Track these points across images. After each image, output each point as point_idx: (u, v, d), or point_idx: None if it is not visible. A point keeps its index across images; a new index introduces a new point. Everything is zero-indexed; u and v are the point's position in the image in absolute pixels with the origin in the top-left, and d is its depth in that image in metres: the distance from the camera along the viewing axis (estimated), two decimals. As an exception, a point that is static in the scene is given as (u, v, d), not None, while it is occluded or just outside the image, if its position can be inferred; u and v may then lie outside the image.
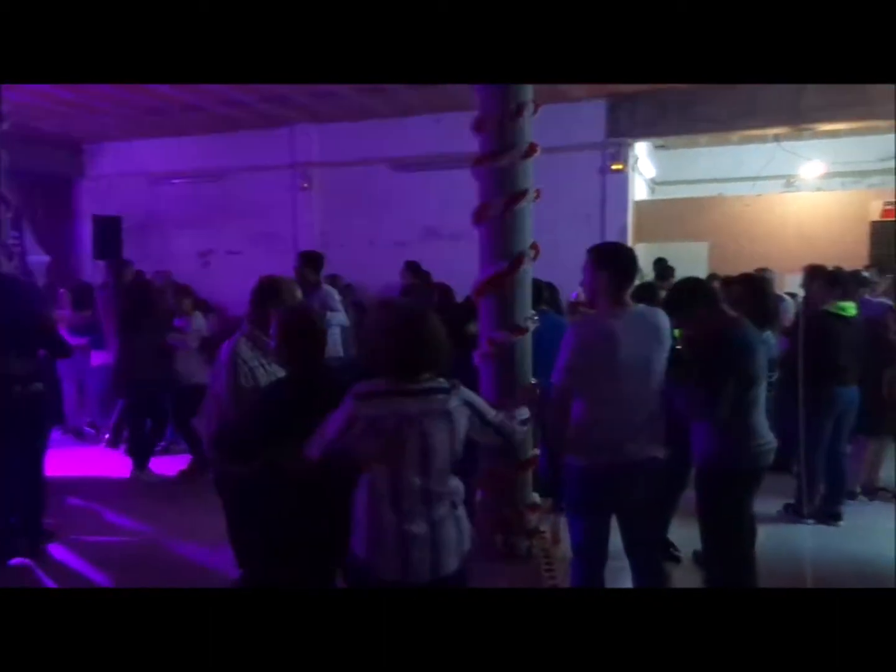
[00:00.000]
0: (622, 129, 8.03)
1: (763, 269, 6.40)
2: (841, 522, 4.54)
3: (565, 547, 3.24)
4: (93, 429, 6.96)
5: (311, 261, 5.53)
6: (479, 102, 3.50)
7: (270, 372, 2.96)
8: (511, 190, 3.45)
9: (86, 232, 9.71)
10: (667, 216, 8.91)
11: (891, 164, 8.94)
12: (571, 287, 5.78)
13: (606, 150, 8.14)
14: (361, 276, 8.46)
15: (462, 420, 2.20)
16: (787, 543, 4.07)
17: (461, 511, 2.26)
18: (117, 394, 6.27)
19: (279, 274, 3.40)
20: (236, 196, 9.52)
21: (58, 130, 9.24)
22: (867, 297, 5.41)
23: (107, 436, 6.70)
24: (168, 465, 5.92)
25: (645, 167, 9.45)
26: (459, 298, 5.06)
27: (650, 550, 2.98)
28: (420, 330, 2.16)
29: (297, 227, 9.37)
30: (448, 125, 7.93)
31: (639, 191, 9.03)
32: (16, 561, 4.08)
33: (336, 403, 2.19)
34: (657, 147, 10.07)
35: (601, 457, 2.74)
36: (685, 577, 3.69)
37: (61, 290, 6.89)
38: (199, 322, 5.85)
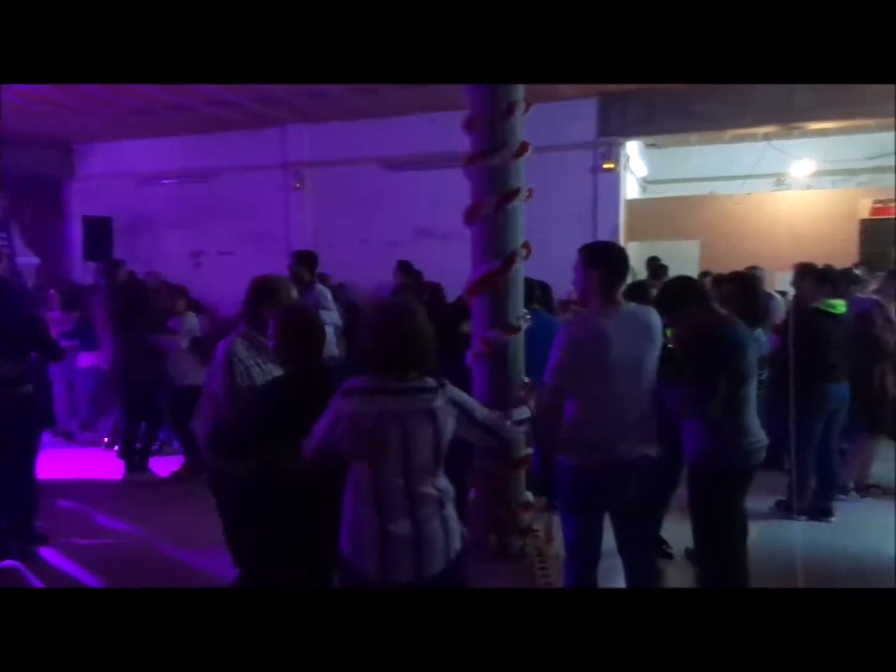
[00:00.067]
0: (613, 128, 8.03)
1: (754, 267, 6.44)
2: (832, 518, 4.57)
3: (559, 546, 3.24)
4: (85, 430, 6.92)
5: (305, 260, 5.53)
6: (470, 101, 3.49)
7: (266, 371, 2.96)
8: (503, 189, 3.45)
9: (76, 233, 9.64)
10: (658, 215, 8.93)
11: (880, 162, 9.01)
12: (563, 286, 5.78)
13: (598, 149, 8.13)
14: (353, 275, 8.43)
15: (448, 420, 2.18)
16: (778, 540, 4.08)
17: (449, 510, 2.22)
18: (115, 396, 6.23)
19: (272, 274, 3.39)
20: (228, 196, 9.48)
21: (47, 131, 9.15)
22: (857, 294, 5.43)
23: (105, 439, 6.66)
24: (161, 465, 5.91)
25: (636, 166, 9.46)
26: (451, 298, 5.06)
27: (643, 549, 2.99)
28: (406, 328, 2.14)
29: (289, 227, 9.34)
30: (439, 125, 7.89)
31: (630, 189, 9.05)
32: (6, 563, 4.06)
33: (332, 403, 2.19)
34: (648, 146, 10.09)
35: (593, 456, 2.74)
36: (677, 574, 3.71)
37: (51, 292, 6.86)
38: (192, 322, 5.82)
